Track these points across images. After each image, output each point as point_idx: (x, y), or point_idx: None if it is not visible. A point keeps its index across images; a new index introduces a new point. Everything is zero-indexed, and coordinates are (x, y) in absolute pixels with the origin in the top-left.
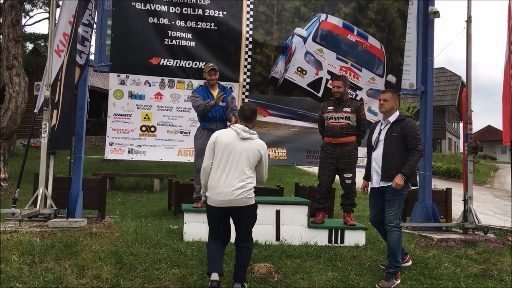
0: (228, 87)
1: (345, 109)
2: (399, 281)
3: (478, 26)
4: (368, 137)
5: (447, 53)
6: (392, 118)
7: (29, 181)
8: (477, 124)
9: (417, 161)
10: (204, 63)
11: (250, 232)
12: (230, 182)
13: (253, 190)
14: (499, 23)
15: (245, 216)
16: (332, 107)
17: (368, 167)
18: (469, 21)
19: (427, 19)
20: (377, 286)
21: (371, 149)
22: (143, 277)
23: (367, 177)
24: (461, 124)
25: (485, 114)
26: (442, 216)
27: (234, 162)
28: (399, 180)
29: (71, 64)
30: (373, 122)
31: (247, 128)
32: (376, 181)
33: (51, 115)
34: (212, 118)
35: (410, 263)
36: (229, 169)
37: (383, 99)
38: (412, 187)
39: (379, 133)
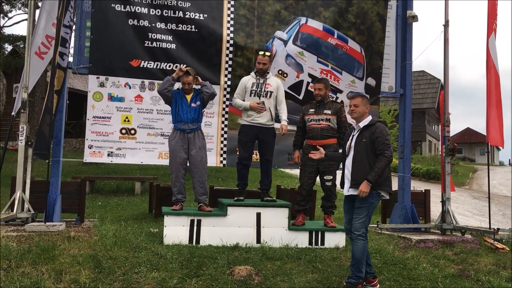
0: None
1: (325, 111)
2: None
3: (456, 29)
4: (343, 143)
5: (426, 56)
6: (362, 123)
7: (7, 184)
8: (457, 127)
9: (384, 167)
10: (185, 65)
11: None
12: None
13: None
14: (478, 25)
15: None
16: (313, 110)
17: (342, 175)
18: (446, 25)
19: (405, 23)
20: None
21: (344, 155)
22: (122, 281)
23: (342, 184)
24: (440, 127)
25: (464, 116)
26: (421, 217)
27: None
28: (363, 187)
29: (56, 67)
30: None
31: None
32: (346, 189)
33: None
34: (184, 119)
35: (378, 287)
36: None
37: (353, 104)
38: (385, 197)
39: (351, 139)
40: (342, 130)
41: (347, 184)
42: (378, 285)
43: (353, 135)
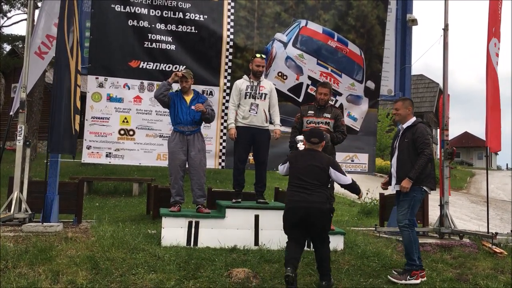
0: (203, 93)
1: (325, 114)
2: (416, 281)
3: (455, 33)
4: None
5: (425, 60)
6: (406, 125)
7: (4, 184)
8: (455, 131)
9: (424, 165)
10: (184, 66)
11: None
12: None
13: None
14: (476, 28)
15: None
16: (312, 112)
17: (390, 173)
18: (446, 29)
19: (405, 26)
20: (388, 276)
21: (392, 155)
22: (119, 282)
23: (389, 183)
24: (438, 131)
25: (462, 120)
26: (419, 221)
27: None
28: (404, 183)
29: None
30: (352, 127)
31: None
32: (392, 185)
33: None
34: (183, 121)
35: (423, 279)
36: None
37: (394, 108)
38: (428, 192)
39: (396, 140)
40: (340, 130)
41: (393, 181)
42: (425, 278)
43: (398, 136)
